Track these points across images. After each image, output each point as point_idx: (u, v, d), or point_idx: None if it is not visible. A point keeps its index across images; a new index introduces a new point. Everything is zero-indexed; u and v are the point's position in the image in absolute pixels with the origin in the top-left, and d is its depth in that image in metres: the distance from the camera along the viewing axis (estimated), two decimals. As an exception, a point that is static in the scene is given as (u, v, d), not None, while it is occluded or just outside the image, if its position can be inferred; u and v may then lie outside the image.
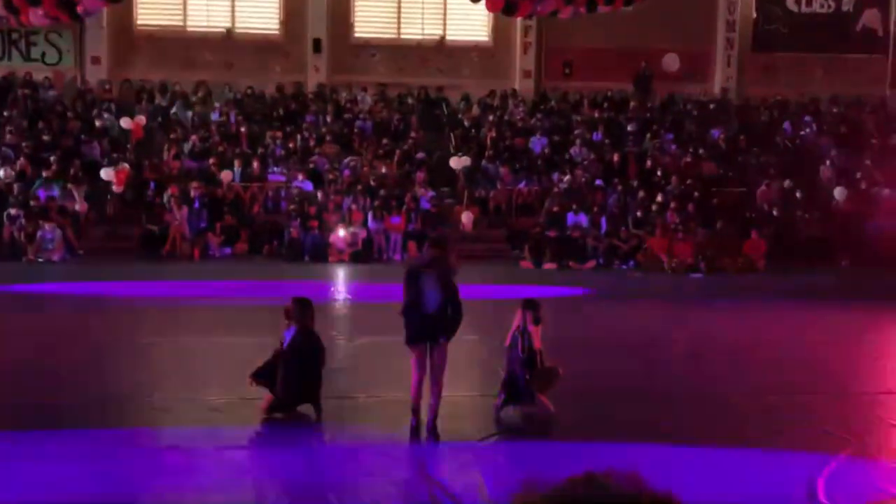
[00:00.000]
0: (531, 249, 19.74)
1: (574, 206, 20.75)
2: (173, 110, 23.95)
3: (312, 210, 20.24)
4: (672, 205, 20.82)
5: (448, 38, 26.46)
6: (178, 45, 25.50)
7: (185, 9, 25.74)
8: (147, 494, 6.44)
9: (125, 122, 22.46)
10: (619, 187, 21.79)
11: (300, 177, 21.56)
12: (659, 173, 22.49)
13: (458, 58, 26.46)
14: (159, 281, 16.58)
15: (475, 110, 25.19)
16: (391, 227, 20.29)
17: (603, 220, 20.64)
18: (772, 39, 27.09)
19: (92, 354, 10.66)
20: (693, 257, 19.40)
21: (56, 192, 19.98)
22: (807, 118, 25.40)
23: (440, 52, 26.36)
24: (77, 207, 19.91)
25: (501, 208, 21.68)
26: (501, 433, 7.95)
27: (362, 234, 20.00)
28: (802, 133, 25.04)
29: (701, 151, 23.68)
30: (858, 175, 22.73)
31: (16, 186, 19.85)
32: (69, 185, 20.13)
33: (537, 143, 23.59)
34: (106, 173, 20.37)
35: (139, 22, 25.67)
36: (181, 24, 25.80)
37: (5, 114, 22.66)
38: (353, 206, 20.56)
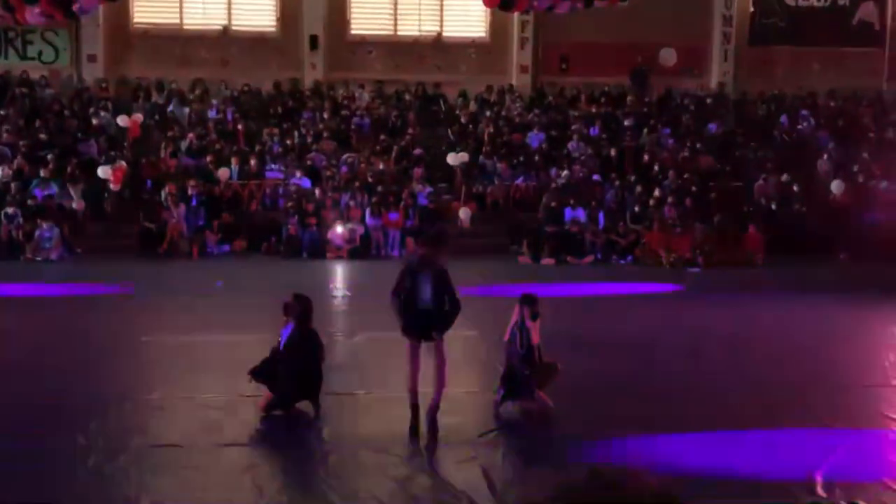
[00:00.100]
0: (529, 245, 19.74)
1: (572, 202, 20.74)
2: (170, 108, 23.92)
3: (310, 207, 20.23)
4: (670, 199, 20.82)
5: (445, 34, 26.43)
6: (174, 42, 25.46)
7: (181, 6, 25.69)
8: (147, 492, 6.44)
9: (122, 121, 22.42)
10: (617, 182, 21.79)
11: (298, 174, 21.55)
12: (656, 168, 22.49)
13: (455, 54, 26.44)
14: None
15: (472, 106, 25.17)
16: (389, 223, 20.28)
17: (601, 215, 20.64)
18: (768, 33, 27.08)
19: (91, 353, 10.65)
20: (691, 252, 19.40)
21: (54, 190, 19.96)
22: (804, 112, 25.40)
23: (437, 48, 26.34)
24: (74, 206, 19.89)
25: (499, 204, 21.68)
26: (501, 429, 7.96)
27: (360, 230, 19.99)
28: (799, 127, 25.04)
29: (698, 146, 23.68)
30: (856, 168, 22.74)
31: (13, 185, 19.83)
32: (66, 184, 20.11)
33: (535, 139, 23.58)
34: (103, 171, 20.34)
35: (135, 20, 25.62)
36: (177, 21, 25.75)
37: (2, 112, 22.63)
38: (351, 203, 20.55)
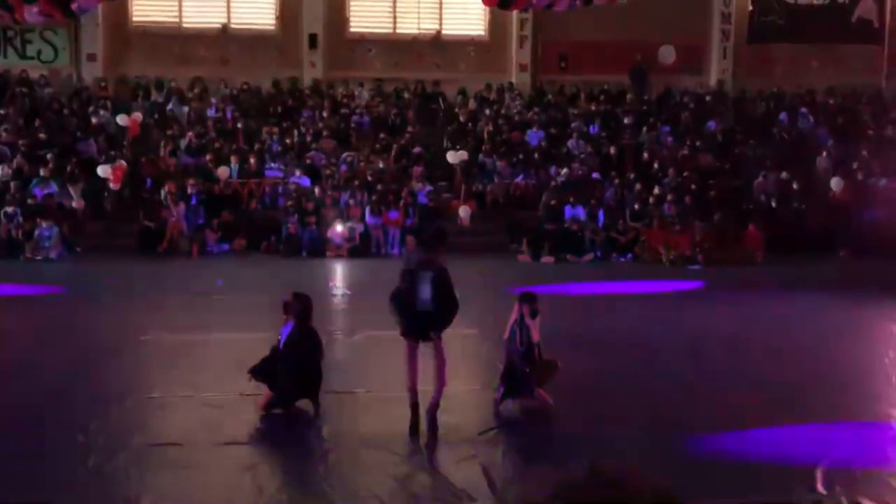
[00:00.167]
0: (529, 243, 19.74)
1: (571, 200, 20.74)
2: (169, 107, 23.91)
3: (310, 206, 20.23)
4: (669, 197, 20.82)
5: (444, 32, 26.42)
6: (173, 41, 25.45)
7: (180, 5, 25.68)
8: (147, 492, 6.45)
9: (121, 119, 22.42)
10: (617, 180, 21.79)
11: (297, 172, 21.55)
12: (656, 166, 22.49)
13: (455, 52, 26.43)
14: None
15: (472, 104, 25.17)
16: (389, 221, 20.28)
17: (600, 213, 20.64)
18: (767, 31, 27.07)
19: (90, 352, 10.65)
20: (690, 250, 19.40)
21: (53, 189, 19.96)
22: (803, 110, 25.40)
23: (436, 46, 26.33)
24: (74, 205, 19.89)
25: (499, 202, 21.68)
26: (501, 427, 7.96)
27: (360, 229, 19.99)
28: (799, 124, 25.04)
29: (698, 144, 23.68)
30: (855, 166, 22.74)
31: (12, 185, 19.82)
32: (66, 183, 20.11)
33: (534, 137, 23.58)
34: (103, 170, 20.34)
35: (134, 18, 25.61)
36: (176, 20, 25.74)
37: (1, 112, 22.62)
38: (351, 202, 20.55)
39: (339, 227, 19.74)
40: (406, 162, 22.45)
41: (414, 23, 26.34)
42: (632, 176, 21.91)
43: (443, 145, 23.04)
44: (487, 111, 24.65)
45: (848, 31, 26.98)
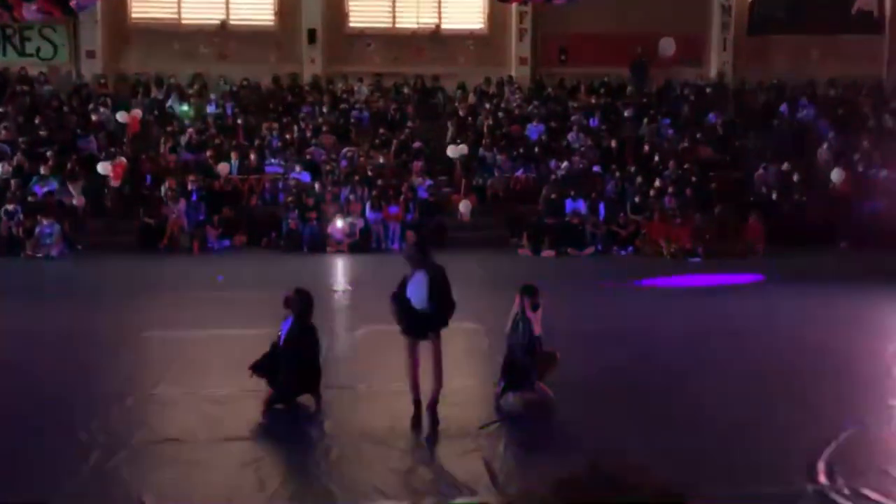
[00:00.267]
0: (529, 237, 19.73)
1: (572, 193, 20.72)
2: (169, 103, 23.90)
3: (310, 201, 20.22)
4: (670, 190, 20.79)
5: (443, 26, 26.38)
6: (172, 37, 25.42)
7: (178, 1, 25.66)
8: (149, 488, 6.46)
9: (121, 116, 22.41)
10: (617, 173, 21.75)
11: (297, 168, 21.54)
12: (656, 158, 22.45)
13: (454, 46, 26.39)
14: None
15: (471, 98, 25.14)
16: (389, 216, 20.27)
17: (601, 207, 20.62)
18: (768, 22, 27.01)
19: (91, 349, 10.66)
20: (691, 242, 19.38)
21: (54, 187, 19.96)
22: (803, 101, 25.35)
23: (435, 40, 26.29)
24: (75, 202, 19.88)
25: (499, 196, 21.65)
26: (502, 420, 7.96)
27: (360, 224, 19.99)
28: (799, 116, 24.99)
29: (698, 136, 23.65)
30: (856, 157, 22.71)
31: (13, 182, 19.82)
32: (66, 181, 20.11)
33: (534, 130, 23.55)
34: (103, 167, 20.34)
35: (133, 15, 25.59)
36: (175, 16, 25.71)
37: (0, 109, 22.61)
38: (351, 197, 20.54)
39: (339, 223, 19.73)
40: (406, 157, 22.43)
41: (413, 17, 26.30)
42: (632, 169, 21.88)
43: (444, 139, 22.99)
44: (487, 105, 24.61)
45: (848, 21, 26.93)
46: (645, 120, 24.01)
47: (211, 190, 20.70)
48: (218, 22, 25.68)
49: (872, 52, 27.03)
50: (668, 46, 24.58)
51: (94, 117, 22.85)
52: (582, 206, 20.48)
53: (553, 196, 20.73)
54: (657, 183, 21.18)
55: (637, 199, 20.82)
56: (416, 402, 7.76)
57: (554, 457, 6.93)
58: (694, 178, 21.54)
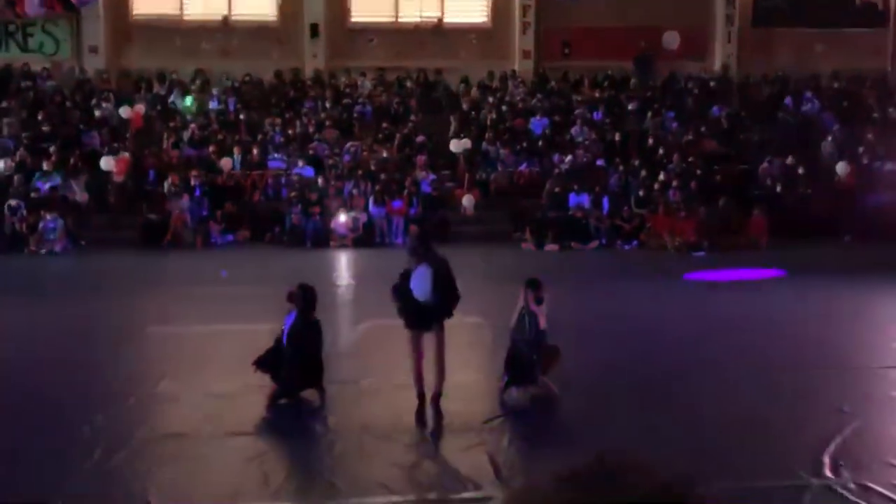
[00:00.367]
0: (533, 231, 19.69)
1: (576, 187, 20.68)
2: (171, 99, 23.88)
3: (313, 196, 20.21)
4: (674, 183, 20.74)
5: (446, 20, 26.32)
6: (174, 33, 25.40)
7: (181, -4, 25.66)
8: (154, 483, 6.45)
9: (124, 112, 22.40)
10: (621, 167, 21.70)
11: (300, 163, 21.52)
12: (660, 152, 22.40)
13: (457, 40, 26.33)
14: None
15: (474, 92, 25.09)
16: (392, 211, 20.25)
17: (605, 201, 20.57)
18: (771, 15, 26.92)
19: (95, 344, 10.66)
20: (696, 236, 19.34)
21: (57, 182, 19.95)
22: (808, 94, 25.27)
23: (438, 34, 26.23)
24: (78, 198, 19.88)
25: (503, 190, 21.61)
26: (506, 415, 7.95)
27: (363, 219, 19.97)
28: (804, 109, 24.92)
29: (702, 129, 23.58)
30: (860, 150, 22.64)
31: (16, 178, 19.82)
32: (69, 176, 20.11)
33: (538, 124, 23.50)
34: (106, 163, 20.34)
35: (135, 10, 25.57)
36: (177, 11, 25.68)
37: (3, 105, 22.61)
38: (354, 192, 20.52)
39: (342, 218, 19.71)
40: (409, 151, 22.40)
41: (416, 11, 26.25)
42: (636, 162, 21.83)
43: (447, 134, 22.94)
44: (490, 99, 24.56)
45: (853, 14, 26.83)
46: (649, 113, 23.95)
47: (214, 185, 20.69)
48: (220, 17, 25.65)
49: (877, 44, 26.94)
50: (671, 39, 24.52)
51: (96, 113, 22.84)
52: (586, 200, 20.44)
53: (557, 190, 20.69)
54: (661, 176, 21.13)
55: (641, 193, 20.77)
56: (420, 396, 7.76)
57: (558, 451, 6.91)
58: (698, 172, 21.49)
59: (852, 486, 6.27)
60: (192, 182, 20.41)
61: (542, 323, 8.26)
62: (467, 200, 20.58)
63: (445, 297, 7.71)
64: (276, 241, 19.81)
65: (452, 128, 23.16)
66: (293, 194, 20.32)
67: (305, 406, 8.18)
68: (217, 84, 24.59)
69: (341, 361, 9.24)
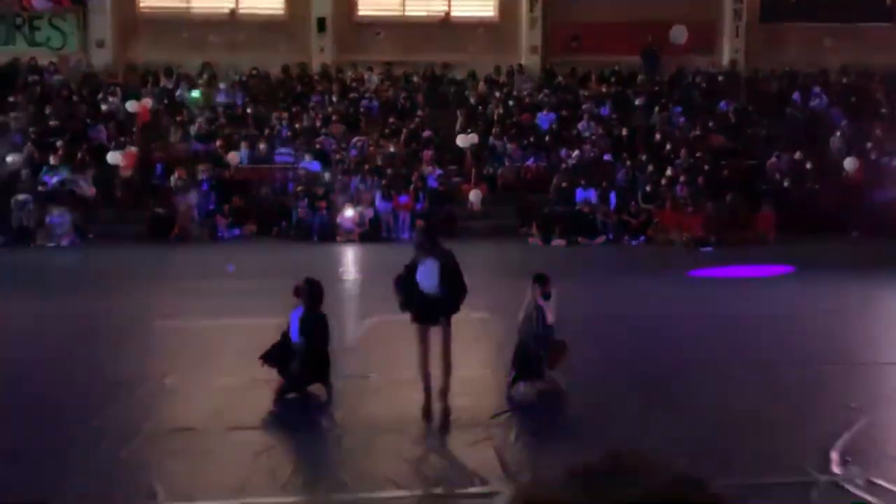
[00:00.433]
0: (540, 226, 19.67)
1: (583, 182, 20.65)
2: (178, 92, 23.89)
3: (320, 191, 20.22)
4: (681, 178, 20.70)
5: (453, 14, 26.28)
6: (182, 27, 25.39)
7: (188, -10, 25.66)
8: (161, 476, 6.46)
9: (131, 106, 22.42)
10: (628, 162, 21.65)
11: (307, 157, 21.52)
12: (668, 147, 22.35)
13: (464, 34, 26.28)
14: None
15: (482, 87, 25.05)
16: (399, 206, 20.24)
17: (612, 196, 20.54)
18: (780, 9, 26.81)
19: (104, 338, 10.68)
20: (703, 231, 19.29)
21: (64, 176, 19.99)
22: (816, 89, 25.18)
23: (446, 28, 26.18)
24: (86, 192, 19.91)
25: (510, 185, 21.58)
26: (513, 410, 7.94)
27: (370, 213, 19.97)
28: (812, 104, 24.83)
29: (710, 124, 23.52)
30: (869, 145, 22.56)
31: (23, 172, 19.86)
32: (76, 171, 20.15)
33: (545, 119, 23.45)
34: (113, 157, 20.37)
35: (142, 4, 25.57)
36: (185, 5, 25.68)
37: (11, 99, 22.64)
38: (361, 186, 20.52)
39: (349, 212, 19.72)
40: (416, 146, 22.38)
41: (423, 5, 26.20)
42: (644, 157, 21.78)
43: (454, 128, 22.91)
44: (497, 94, 24.52)
45: (861, 8, 26.71)
46: (656, 108, 23.89)
47: (221, 179, 20.71)
48: (227, 11, 25.64)
49: (885, 39, 26.78)
50: (679, 34, 24.41)
51: (103, 107, 22.87)
52: (593, 195, 20.40)
53: (564, 185, 20.66)
54: (669, 172, 21.09)
55: (648, 188, 20.72)
56: (427, 391, 7.74)
57: (565, 446, 6.90)
58: (706, 167, 21.43)
59: (860, 482, 6.25)
60: (200, 176, 20.43)
61: (550, 318, 8.25)
62: (474, 195, 20.56)
63: (451, 290, 7.69)
64: (282, 235, 19.83)
65: (459, 123, 23.13)
66: (300, 189, 20.33)
67: (312, 400, 8.19)
68: (224, 78, 24.59)
69: (348, 356, 9.24)
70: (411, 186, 20.56)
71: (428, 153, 21.83)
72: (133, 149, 20.95)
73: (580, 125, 23.24)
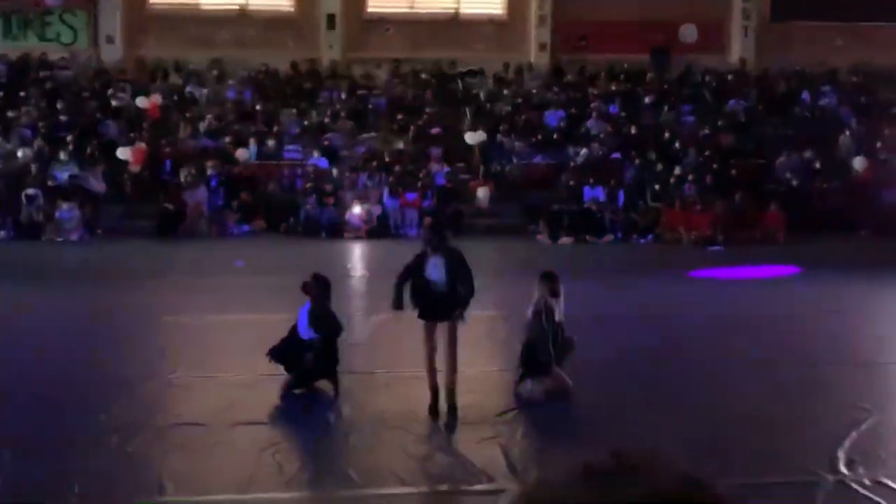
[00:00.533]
0: (547, 224, 19.65)
1: (591, 180, 20.62)
2: (188, 89, 23.93)
3: (328, 187, 20.25)
4: (690, 177, 20.66)
5: (462, 11, 26.25)
6: (191, 23, 25.43)
7: (198, -13, 25.69)
8: (169, 471, 6.49)
9: (141, 102, 22.47)
10: (637, 160, 21.61)
11: (315, 154, 21.54)
12: (677, 145, 22.30)
13: (473, 31, 26.25)
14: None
15: (490, 84, 25.02)
16: (407, 203, 20.25)
17: (620, 194, 20.51)
18: (790, 8, 26.71)
19: (112, 332, 10.72)
20: (711, 230, 19.26)
21: (74, 171, 20.05)
22: (825, 88, 25.10)
23: (454, 25, 26.16)
24: (95, 187, 19.96)
25: (517, 183, 21.56)
26: (520, 408, 7.95)
27: (377, 210, 19.99)
28: (821, 103, 24.75)
29: (719, 123, 23.46)
30: (878, 145, 22.49)
31: (33, 167, 19.93)
32: (85, 166, 20.22)
33: (553, 117, 23.43)
34: (122, 152, 20.43)
35: (152, 0, 25.61)
36: (194, 1, 25.72)
37: (21, 94, 22.72)
38: (369, 183, 20.54)
39: (357, 209, 19.74)
40: (424, 143, 22.38)
41: (432, 2, 26.18)
42: (652, 156, 21.74)
43: (462, 126, 22.89)
44: (506, 91, 24.50)
45: (871, 8, 26.57)
46: (665, 107, 23.84)
47: (230, 176, 20.75)
48: (236, 7, 25.67)
49: (895, 39, 26.66)
50: (689, 33, 24.35)
51: (113, 103, 22.92)
52: (601, 193, 20.38)
53: (572, 183, 20.64)
54: (677, 170, 21.05)
55: (657, 187, 20.68)
56: (433, 389, 7.75)
57: (572, 444, 6.91)
58: (714, 166, 21.39)
59: (867, 482, 6.25)
60: (209, 172, 20.48)
61: (558, 316, 8.26)
62: (482, 193, 20.56)
63: (457, 288, 7.70)
64: (290, 231, 19.85)
65: (467, 120, 23.12)
66: (308, 185, 20.36)
67: (319, 396, 8.21)
68: (233, 74, 24.63)
69: (355, 352, 9.26)
70: (419, 183, 20.57)
71: (436, 150, 21.83)
72: (142, 145, 21.00)
73: (588, 123, 23.20)
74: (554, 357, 8.26)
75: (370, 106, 23.73)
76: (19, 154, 20.46)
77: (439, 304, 7.71)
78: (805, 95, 24.86)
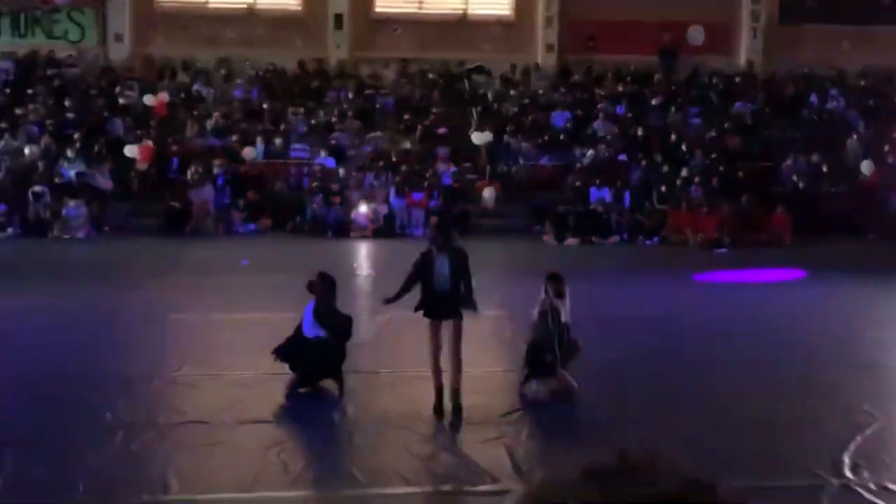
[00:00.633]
0: (553, 225, 19.64)
1: (597, 182, 20.60)
2: (195, 87, 23.97)
3: (335, 186, 20.27)
4: (696, 179, 20.63)
5: (470, 11, 26.25)
6: (199, 21, 25.46)
7: (206, -15, 25.71)
8: (174, 469, 6.50)
9: (148, 100, 22.52)
10: (643, 162, 21.59)
11: (322, 153, 21.57)
12: (683, 147, 22.27)
13: (481, 32, 26.25)
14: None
15: (497, 85, 25.02)
16: (413, 203, 20.26)
17: (626, 195, 20.49)
18: (798, 11, 26.65)
19: (119, 330, 10.74)
20: (718, 232, 19.23)
21: (81, 168, 20.10)
22: (833, 91, 25.04)
23: (462, 26, 26.16)
24: (103, 185, 20.00)
25: (524, 184, 21.56)
26: (525, 408, 7.95)
27: (384, 210, 20.00)
28: (829, 106, 24.69)
29: (726, 125, 23.42)
30: (886, 148, 22.42)
31: (40, 164, 19.98)
32: (93, 163, 20.26)
33: (560, 118, 23.41)
34: (130, 150, 20.47)
35: (161, -1, 25.67)
36: (202, 0, 25.74)
37: (29, 91, 22.78)
38: (375, 183, 20.56)
39: (363, 209, 19.76)
40: (431, 143, 22.38)
41: (440, 2, 26.19)
42: (659, 158, 21.71)
43: (469, 126, 22.88)
44: (513, 92, 24.50)
45: (880, 11, 26.51)
46: (672, 108, 23.81)
47: (236, 174, 20.79)
48: (244, 6, 25.70)
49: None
50: (696, 34, 24.32)
51: (121, 100, 22.97)
52: (607, 194, 20.36)
53: (578, 184, 20.63)
54: (684, 172, 21.02)
55: (663, 189, 20.66)
56: (438, 389, 7.76)
57: (577, 445, 6.91)
58: (721, 168, 21.36)
59: (872, 486, 6.23)
60: (215, 170, 20.51)
61: (563, 316, 8.25)
62: (488, 193, 20.56)
63: (461, 288, 7.71)
64: (297, 230, 19.87)
65: (474, 120, 23.11)
66: (315, 184, 20.38)
67: (324, 395, 8.22)
68: (241, 73, 24.66)
69: (361, 352, 9.26)
70: (425, 183, 20.58)
71: (443, 150, 21.84)
72: (149, 142, 21.04)
73: (595, 124, 23.17)
74: (559, 358, 8.26)
75: (377, 105, 23.74)
76: (26, 151, 20.51)
77: (444, 303, 7.72)
78: (813, 98, 24.80)
